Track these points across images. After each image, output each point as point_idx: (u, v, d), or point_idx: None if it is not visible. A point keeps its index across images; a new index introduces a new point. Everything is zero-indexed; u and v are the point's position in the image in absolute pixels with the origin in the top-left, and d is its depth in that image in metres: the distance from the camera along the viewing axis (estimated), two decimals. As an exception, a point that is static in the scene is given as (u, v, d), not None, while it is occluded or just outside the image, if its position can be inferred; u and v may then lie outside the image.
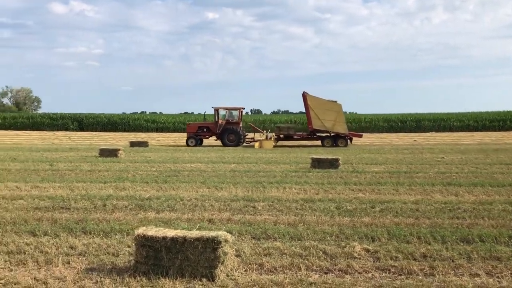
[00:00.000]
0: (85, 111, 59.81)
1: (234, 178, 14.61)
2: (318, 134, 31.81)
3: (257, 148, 29.27)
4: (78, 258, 6.49)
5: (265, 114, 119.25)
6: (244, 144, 31.72)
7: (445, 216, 9.30)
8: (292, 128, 33.73)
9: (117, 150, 22.83)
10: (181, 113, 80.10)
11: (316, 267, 6.18)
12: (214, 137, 32.23)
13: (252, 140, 31.97)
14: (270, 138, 31.33)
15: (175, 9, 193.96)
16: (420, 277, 5.93)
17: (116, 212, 9.56)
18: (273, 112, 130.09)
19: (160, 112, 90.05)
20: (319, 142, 31.78)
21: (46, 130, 50.71)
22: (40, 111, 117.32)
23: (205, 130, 32.24)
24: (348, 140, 31.62)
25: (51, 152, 25.48)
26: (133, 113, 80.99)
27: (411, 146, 31.31)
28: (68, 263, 6.30)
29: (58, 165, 18.33)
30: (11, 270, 6.06)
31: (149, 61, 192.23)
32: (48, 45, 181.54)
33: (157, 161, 20.37)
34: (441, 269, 6.13)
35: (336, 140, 31.16)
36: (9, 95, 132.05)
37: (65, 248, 6.89)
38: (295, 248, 6.87)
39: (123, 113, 68.07)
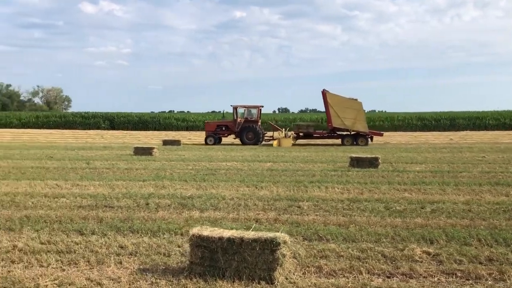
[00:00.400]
0: (114, 110, 60.46)
1: (273, 177, 14.36)
2: (338, 133, 31.36)
3: (275, 147, 29.01)
4: (130, 258, 6.34)
5: (292, 112, 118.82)
6: (263, 142, 31.41)
7: (500, 217, 8.88)
8: (311, 126, 33.30)
9: (152, 148, 22.86)
10: (208, 111, 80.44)
11: (378, 270, 5.88)
12: (232, 136, 32.11)
13: (271, 138, 31.62)
14: (289, 137, 30.90)
15: (203, 8, 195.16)
16: (490, 282, 5.59)
17: (160, 211, 9.41)
18: (301, 111, 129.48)
19: (188, 111, 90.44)
20: (338, 141, 31.41)
21: (78, 129, 51.39)
22: (70, 110, 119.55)
23: (223, 128, 32.18)
24: (369, 139, 30.99)
25: (86, 150, 25.68)
26: (161, 112, 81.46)
27: (448, 145, 30.55)
28: (120, 263, 6.14)
29: (95, 164, 18.40)
30: (64, 270, 5.94)
31: (177, 60, 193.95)
32: (78, 44, 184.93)
33: (192, 159, 20.27)
34: (511, 273, 5.76)
35: (356, 138, 30.65)
36: (40, 94, 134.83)
37: (115, 248, 6.75)
38: (352, 251, 6.59)
39: (151, 112, 68.69)
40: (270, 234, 5.50)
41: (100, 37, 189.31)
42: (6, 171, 15.86)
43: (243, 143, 30.78)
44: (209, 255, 5.55)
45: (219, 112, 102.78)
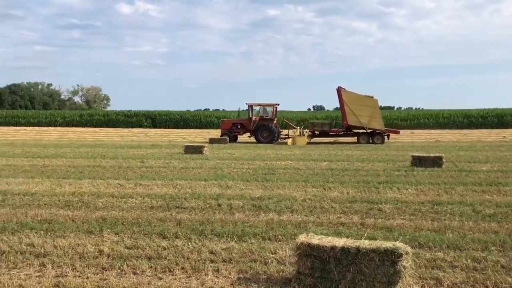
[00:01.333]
0: (152, 108, 60.78)
1: (337, 177, 13.85)
2: (354, 131, 30.86)
3: (290, 145, 28.25)
4: (226, 266, 5.95)
5: (328, 110, 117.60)
6: (279, 141, 30.99)
7: None
8: (326, 125, 32.77)
9: (202, 147, 22.64)
10: (243, 110, 79.34)
11: (505, 284, 5.31)
12: (248, 134, 31.92)
13: (287, 136, 31.13)
14: (304, 135, 30.55)
15: (237, 6, 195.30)
16: None
17: (236, 213, 9.03)
18: (336, 109, 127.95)
19: (223, 109, 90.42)
20: (353, 139, 30.90)
21: (121, 127, 51.87)
22: (109, 108, 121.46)
23: (239, 126, 31.98)
24: (386, 137, 30.47)
25: (135, 148, 25.67)
26: (197, 110, 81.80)
27: (504, 143, 29.31)
28: (218, 271, 5.76)
29: (149, 162, 18.25)
30: (160, 278, 5.60)
31: (212, 58, 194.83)
32: (115, 44, 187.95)
33: (245, 158, 19.91)
34: None
35: (372, 136, 30.15)
36: (80, 93, 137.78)
37: (206, 253, 6.38)
38: (465, 260, 6.03)
39: (187, 110, 68.88)
40: (389, 244, 5.01)
41: (136, 37, 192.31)
42: (64, 170, 15.83)
43: (258, 141, 30.53)
44: (320, 266, 5.10)
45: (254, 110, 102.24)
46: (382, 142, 29.87)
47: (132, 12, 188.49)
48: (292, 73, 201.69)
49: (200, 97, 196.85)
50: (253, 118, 31.13)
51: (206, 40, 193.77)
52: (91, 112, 58.84)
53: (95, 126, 52.41)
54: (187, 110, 67.85)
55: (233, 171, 15.44)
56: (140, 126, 52.38)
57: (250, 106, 31.64)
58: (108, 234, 7.44)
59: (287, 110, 69.00)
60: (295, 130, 31.35)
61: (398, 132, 33.27)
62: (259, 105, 32.00)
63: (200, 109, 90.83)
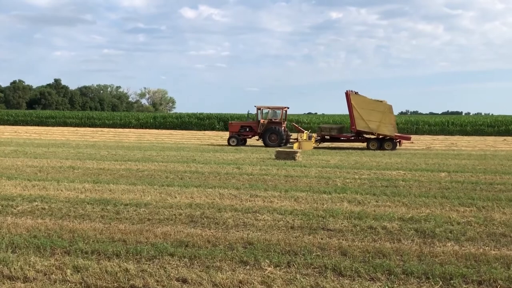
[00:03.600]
0: (214, 111, 60.17)
1: (477, 193, 11.90)
2: (366, 136, 29.73)
3: (296, 149, 26.58)
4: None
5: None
6: (288, 145, 30.01)
7: None
8: (334, 129, 31.42)
9: (295, 152, 21.23)
10: (305, 113, 78.33)
11: None
12: (256, 137, 31.26)
13: (296, 140, 29.78)
14: (310, 139, 29.53)
15: (299, 10, 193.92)
16: None
17: (403, 240, 7.38)
18: (401, 113, 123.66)
19: None
20: (360, 145, 30.16)
21: (193, 130, 51.37)
22: (174, 111, 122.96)
23: (247, 129, 31.32)
24: (397, 143, 29.40)
25: (220, 152, 24.54)
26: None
27: None
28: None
29: (245, 168, 16.96)
30: None
31: (273, 62, 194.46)
32: (179, 48, 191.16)
33: (345, 166, 18.19)
34: None
35: (383, 142, 29.02)
36: (147, 96, 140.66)
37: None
38: None
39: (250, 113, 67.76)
40: None
41: (199, 40, 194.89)
42: (163, 176, 14.76)
43: (266, 145, 29.87)
44: None
45: (315, 113, 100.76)
46: (393, 148, 28.71)
47: (195, 16, 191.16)
48: (355, 77, 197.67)
49: (261, 100, 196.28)
50: (261, 121, 30.53)
51: (268, 44, 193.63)
52: (164, 114, 58.95)
53: (168, 128, 52.17)
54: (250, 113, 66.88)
55: (346, 182, 13.83)
56: (213, 129, 51.66)
57: (259, 109, 31.11)
58: (268, 266, 6.00)
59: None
60: (302, 134, 30.08)
61: (409, 138, 31.77)
62: (267, 108, 31.50)
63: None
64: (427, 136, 46.40)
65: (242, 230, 7.92)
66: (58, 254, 6.41)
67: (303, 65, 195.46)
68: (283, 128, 30.48)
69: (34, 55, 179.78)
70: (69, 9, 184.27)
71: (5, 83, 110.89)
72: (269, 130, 30.20)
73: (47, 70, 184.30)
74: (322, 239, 7.39)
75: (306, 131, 30.97)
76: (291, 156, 20.89)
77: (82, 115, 59.07)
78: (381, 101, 30.14)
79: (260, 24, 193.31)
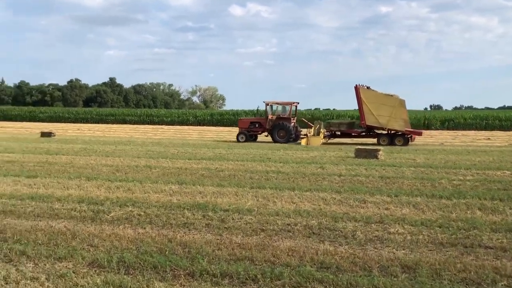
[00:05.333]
0: (262, 108, 58.86)
1: None
2: (377, 131, 28.78)
3: (304, 145, 26.66)
4: None
5: (446, 110, 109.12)
6: (298, 141, 29.19)
7: None
8: (344, 125, 30.54)
9: (377, 150, 19.68)
10: (355, 109, 75.52)
11: None
12: (265, 133, 30.57)
13: (305, 136, 28.95)
14: (318, 134, 28.65)
15: (347, 4, 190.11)
16: None
17: None
18: (455, 108, 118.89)
19: (334, 109, 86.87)
20: (368, 140, 29.05)
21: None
22: (224, 108, 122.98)
23: (256, 125, 30.71)
24: (409, 139, 28.34)
25: (289, 150, 23.23)
26: (307, 109, 79.53)
27: None
28: None
29: (329, 168, 15.67)
30: None
31: (321, 57, 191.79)
32: (228, 46, 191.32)
33: (437, 165, 16.49)
34: None
35: (394, 138, 28.03)
36: (198, 93, 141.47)
37: None
38: None
39: (297, 109, 66.19)
40: None
41: (247, 38, 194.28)
42: (246, 177, 13.63)
43: (275, 141, 29.14)
44: None
45: None
46: (405, 144, 27.55)
47: (244, 13, 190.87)
48: (406, 71, 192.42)
49: (309, 96, 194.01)
50: (270, 116, 29.89)
51: (315, 39, 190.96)
52: (221, 112, 58.42)
53: (225, 125, 51.43)
54: (297, 109, 65.41)
55: (455, 184, 12.32)
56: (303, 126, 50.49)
57: (267, 105, 30.47)
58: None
59: None
60: (310, 130, 29.20)
61: (420, 134, 30.33)
62: (276, 103, 30.89)
63: (310, 109, 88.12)
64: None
65: (381, 247, 6.63)
66: (182, 277, 5.33)
67: (351, 61, 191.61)
68: (292, 124, 29.79)
69: (88, 54, 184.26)
70: (120, 9, 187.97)
71: (62, 82, 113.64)
72: (278, 126, 29.56)
73: (101, 69, 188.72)
74: (487, 260, 5.99)
75: (314, 127, 29.94)
76: (372, 154, 19.39)
77: (141, 112, 59.32)
78: (391, 95, 29.15)
79: (307, 20, 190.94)
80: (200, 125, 51.35)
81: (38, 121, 59.15)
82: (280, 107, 30.64)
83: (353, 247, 6.60)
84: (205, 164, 16.66)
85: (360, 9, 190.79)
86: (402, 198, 10.15)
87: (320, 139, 28.34)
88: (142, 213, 8.56)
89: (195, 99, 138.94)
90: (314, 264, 5.76)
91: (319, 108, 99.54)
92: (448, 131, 46.37)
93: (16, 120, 59.85)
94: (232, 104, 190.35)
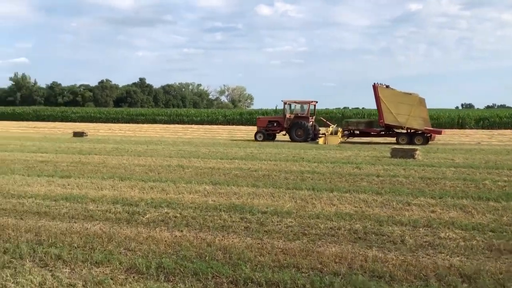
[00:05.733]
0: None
1: None
2: (396, 130, 28.33)
3: (321, 144, 26.39)
4: None
5: (478, 108, 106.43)
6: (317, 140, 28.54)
7: None
8: (362, 123, 30.20)
9: (414, 150, 19.10)
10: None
11: None
12: (283, 132, 30.34)
13: (323, 135, 28.76)
14: (336, 133, 28.34)
15: (376, 2, 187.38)
16: None
17: None
18: (488, 106, 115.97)
19: (363, 108, 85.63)
20: (382, 139, 28.87)
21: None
22: (252, 107, 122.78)
23: (275, 124, 30.48)
24: (428, 138, 27.89)
25: (322, 150, 22.77)
26: (336, 108, 78.51)
27: None
28: None
29: (365, 168, 15.23)
30: None
31: (350, 56, 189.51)
32: (255, 45, 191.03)
33: (478, 165, 15.82)
34: None
35: (413, 137, 27.57)
36: (226, 93, 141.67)
37: None
38: None
39: (326, 108, 65.84)
40: None
41: (275, 37, 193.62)
42: (282, 177, 13.29)
43: (293, 140, 28.87)
44: None
45: None
46: (424, 143, 26.96)
47: (271, 13, 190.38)
48: (436, 70, 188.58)
49: (338, 95, 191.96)
50: (287, 115, 29.65)
51: (344, 38, 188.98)
52: (250, 111, 58.18)
53: (254, 125, 51.03)
54: (326, 108, 64.71)
55: (500, 186, 11.75)
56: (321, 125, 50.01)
57: (285, 103, 30.30)
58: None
59: (433, 108, 62.78)
60: (327, 129, 29.05)
61: (440, 132, 29.73)
62: (294, 102, 30.67)
63: (339, 108, 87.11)
64: None
65: (434, 253, 6.19)
66: (224, 285, 5.01)
67: (381, 59, 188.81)
68: (310, 123, 29.41)
69: (118, 55, 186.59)
70: (150, 10, 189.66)
71: (93, 82, 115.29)
72: (296, 125, 29.24)
73: (131, 69, 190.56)
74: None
75: (332, 125, 29.75)
76: (409, 154, 18.80)
77: (171, 112, 59.48)
78: (410, 94, 28.79)
79: (336, 19, 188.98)
80: (229, 124, 51.19)
81: (70, 121, 59.98)
82: (298, 106, 30.36)
83: (403, 254, 6.18)
84: (238, 164, 16.38)
85: (390, 7, 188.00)
86: (448, 200, 9.65)
87: (338, 138, 27.99)
88: (178, 215, 8.30)
89: (223, 98, 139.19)
90: (365, 272, 5.37)
91: (348, 107, 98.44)
92: (483, 130, 45.05)
93: (48, 120, 60.83)
94: (260, 103, 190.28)
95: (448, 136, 35.28)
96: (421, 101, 28.57)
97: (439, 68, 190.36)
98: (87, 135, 32.67)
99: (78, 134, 32.35)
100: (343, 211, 8.67)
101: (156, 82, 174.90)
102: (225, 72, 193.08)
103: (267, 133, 30.21)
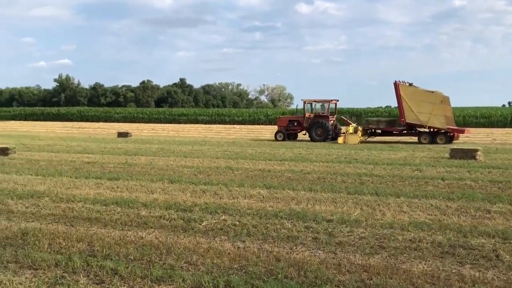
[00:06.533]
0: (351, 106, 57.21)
1: None
2: (419, 129, 27.63)
3: (341, 143, 26.08)
4: None
5: None
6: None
7: None
8: (383, 122, 29.36)
9: (475, 150, 17.91)
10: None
11: None
12: (303, 132, 29.93)
13: (344, 133, 28.33)
14: (356, 132, 27.58)
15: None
16: None
17: None
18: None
19: None
20: (401, 138, 28.27)
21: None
22: (292, 107, 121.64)
23: (295, 124, 30.11)
24: (451, 137, 27.11)
25: (376, 150, 21.80)
26: (378, 107, 76.67)
27: None
28: None
29: (428, 171, 14.23)
30: None
31: (392, 54, 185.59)
32: (295, 44, 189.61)
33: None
34: None
35: (435, 136, 26.78)
36: (266, 92, 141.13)
37: None
38: None
39: (367, 107, 64.24)
40: None
41: (315, 35, 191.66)
42: (339, 180, 12.51)
43: (312, 139, 28.47)
44: None
45: None
46: (447, 142, 26.21)
47: (311, 11, 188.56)
48: (482, 67, 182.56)
49: (380, 93, 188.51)
50: (307, 115, 29.25)
51: (386, 35, 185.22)
52: (292, 110, 57.29)
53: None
54: (367, 107, 63.10)
55: None
56: (343, 124, 48.83)
57: (305, 103, 29.90)
58: None
59: (478, 106, 60.26)
60: (348, 128, 28.16)
61: (463, 131, 28.60)
62: (314, 101, 30.20)
63: (381, 106, 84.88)
64: None
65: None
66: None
67: (424, 56, 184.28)
68: (330, 122, 28.93)
69: (159, 56, 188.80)
70: (190, 10, 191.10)
71: (135, 83, 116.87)
72: (315, 124, 28.80)
73: (171, 70, 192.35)
74: None
75: (353, 124, 28.87)
76: (470, 155, 17.64)
77: (212, 112, 59.44)
78: (432, 92, 27.92)
79: (377, 16, 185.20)
80: (271, 124, 50.48)
81: (113, 121, 60.74)
82: (319, 105, 29.89)
83: (504, 273, 5.33)
84: (288, 165, 15.68)
85: (432, 3, 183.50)
86: (533, 208, 8.64)
87: (357, 138, 27.29)
88: (237, 223, 7.65)
89: (263, 98, 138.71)
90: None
91: (390, 106, 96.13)
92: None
93: (92, 121, 61.80)
94: (300, 102, 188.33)
95: (504, 135, 33.56)
96: (445, 99, 27.88)
97: (485, 65, 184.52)
98: (131, 136, 32.63)
99: (122, 135, 32.35)
100: (417, 220, 7.84)
101: (196, 82, 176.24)
102: (264, 71, 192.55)
103: (287, 133, 29.99)
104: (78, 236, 6.82)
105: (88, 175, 13.24)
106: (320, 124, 28.64)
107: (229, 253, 6.01)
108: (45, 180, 12.41)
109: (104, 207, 8.98)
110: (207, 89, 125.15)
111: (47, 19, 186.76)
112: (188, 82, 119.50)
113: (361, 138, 27.56)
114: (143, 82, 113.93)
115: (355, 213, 8.28)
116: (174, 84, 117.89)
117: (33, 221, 7.94)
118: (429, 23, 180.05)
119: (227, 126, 50.04)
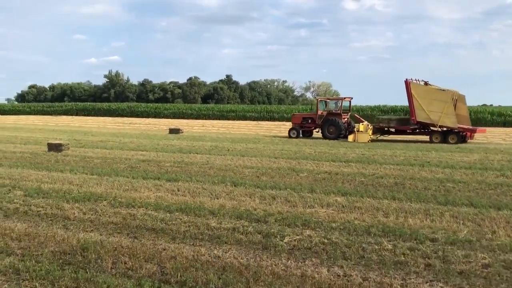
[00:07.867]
0: (377, 103, 55.24)
1: None
2: (432, 128, 26.67)
3: (351, 141, 25.64)
4: None
5: None
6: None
7: None
8: (394, 121, 28.69)
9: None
10: (479, 105, 69.01)
11: None
12: (316, 129, 29.73)
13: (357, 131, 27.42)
14: (367, 130, 26.75)
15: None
16: None
17: None
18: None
19: None
20: (408, 137, 27.60)
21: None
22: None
23: (309, 121, 29.82)
24: (464, 136, 26.23)
25: (444, 152, 20.18)
26: None
27: None
28: None
29: (511, 176, 12.64)
30: None
31: (441, 51, 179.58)
32: (341, 41, 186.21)
33: None
34: None
35: (447, 135, 25.94)
36: (312, 89, 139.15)
37: None
38: None
39: None
40: None
41: (361, 32, 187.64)
42: (420, 187, 11.18)
43: (325, 137, 28.21)
44: None
45: (491, 105, 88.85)
46: (460, 142, 25.51)
47: (357, 8, 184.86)
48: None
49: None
50: (320, 112, 28.91)
51: (434, 32, 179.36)
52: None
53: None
54: None
55: None
56: (356, 122, 47.01)
57: (318, 100, 30.16)
58: None
59: None
60: (358, 126, 27.08)
61: (475, 131, 27.82)
62: (327, 99, 30.53)
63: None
64: None
65: None
66: None
67: (474, 54, 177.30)
68: (343, 120, 28.45)
69: (205, 53, 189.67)
70: (236, 8, 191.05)
71: (182, 79, 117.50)
72: (328, 121, 28.47)
73: (217, 66, 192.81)
74: None
75: (364, 122, 27.54)
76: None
77: (261, 108, 58.44)
78: (444, 90, 27.16)
79: (426, 12, 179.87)
80: (322, 122, 49.11)
81: (162, 117, 60.73)
82: (332, 103, 29.45)
83: None
84: (356, 168, 14.44)
85: (483, 0, 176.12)
86: None
87: (367, 136, 26.33)
88: (325, 241, 6.53)
89: (308, 95, 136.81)
90: None
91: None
92: None
93: (142, 116, 61.99)
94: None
95: None
96: (459, 98, 27.51)
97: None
98: (182, 132, 32.03)
99: (174, 131, 31.78)
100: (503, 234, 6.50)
101: (241, 79, 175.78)
102: (309, 68, 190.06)
103: (302, 130, 29.85)
104: (146, 253, 5.87)
105: (146, 175, 12.44)
106: (332, 122, 28.40)
107: (328, 283, 4.91)
108: (101, 180, 11.67)
109: (168, 214, 8.05)
110: (252, 86, 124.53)
111: (97, 16, 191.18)
112: (234, 79, 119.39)
113: (371, 136, 26.84)
114: (190, 79, 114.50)
115: (464, 231, 7.00)
116: (221, 80, 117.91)
117: (92, 230, 7.09)
118: (479, 20, 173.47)
119: (276, 123, 48.88)
